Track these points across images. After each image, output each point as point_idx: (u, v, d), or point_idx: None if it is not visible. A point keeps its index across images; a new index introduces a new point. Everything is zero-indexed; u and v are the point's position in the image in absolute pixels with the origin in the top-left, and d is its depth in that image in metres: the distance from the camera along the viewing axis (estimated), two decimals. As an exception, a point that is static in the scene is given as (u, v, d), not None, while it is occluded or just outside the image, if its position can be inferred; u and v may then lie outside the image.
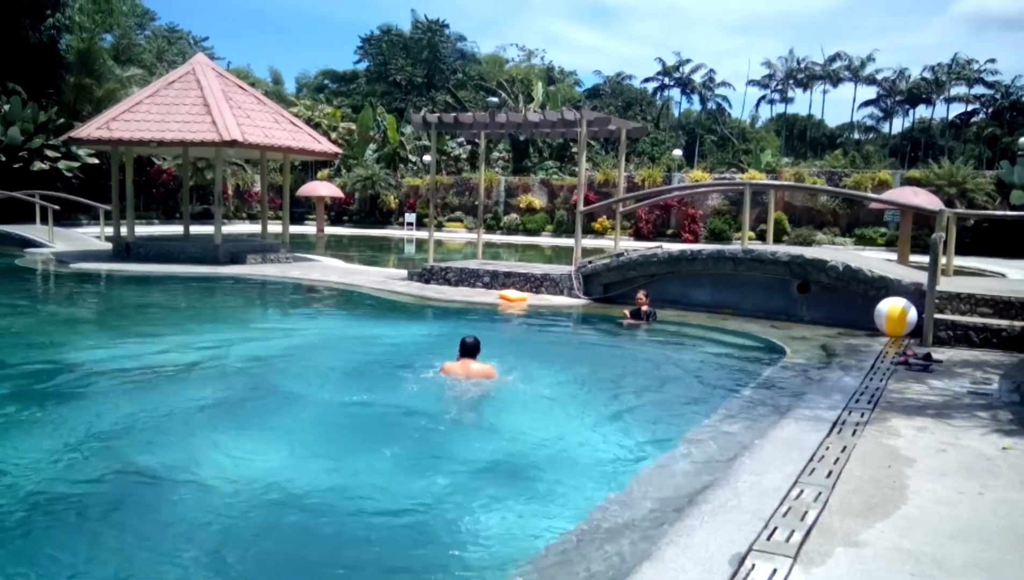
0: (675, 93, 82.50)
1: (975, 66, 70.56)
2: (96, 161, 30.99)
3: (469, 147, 44.09)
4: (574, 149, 38.67)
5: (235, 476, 5.06)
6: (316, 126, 40.53)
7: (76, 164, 30.42)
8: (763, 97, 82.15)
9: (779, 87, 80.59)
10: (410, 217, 37.79)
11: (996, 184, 28.56)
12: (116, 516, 4.52)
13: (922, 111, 78.79)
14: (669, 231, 33.18)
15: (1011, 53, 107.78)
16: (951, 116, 75.81)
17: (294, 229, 26.13)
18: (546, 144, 42.29)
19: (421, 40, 73.50)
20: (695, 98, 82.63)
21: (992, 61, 70.04)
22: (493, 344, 8.87)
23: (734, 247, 12.37)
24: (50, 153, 29.60)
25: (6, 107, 29.77)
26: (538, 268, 14.81)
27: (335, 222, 40.68)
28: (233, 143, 17.57)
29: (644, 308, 11.30)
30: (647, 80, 79.75)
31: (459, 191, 39.71)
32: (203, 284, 15.47)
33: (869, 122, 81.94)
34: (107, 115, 18.57)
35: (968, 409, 6.31)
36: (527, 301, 12.98)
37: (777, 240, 26.97)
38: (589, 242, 25.98)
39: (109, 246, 20.53)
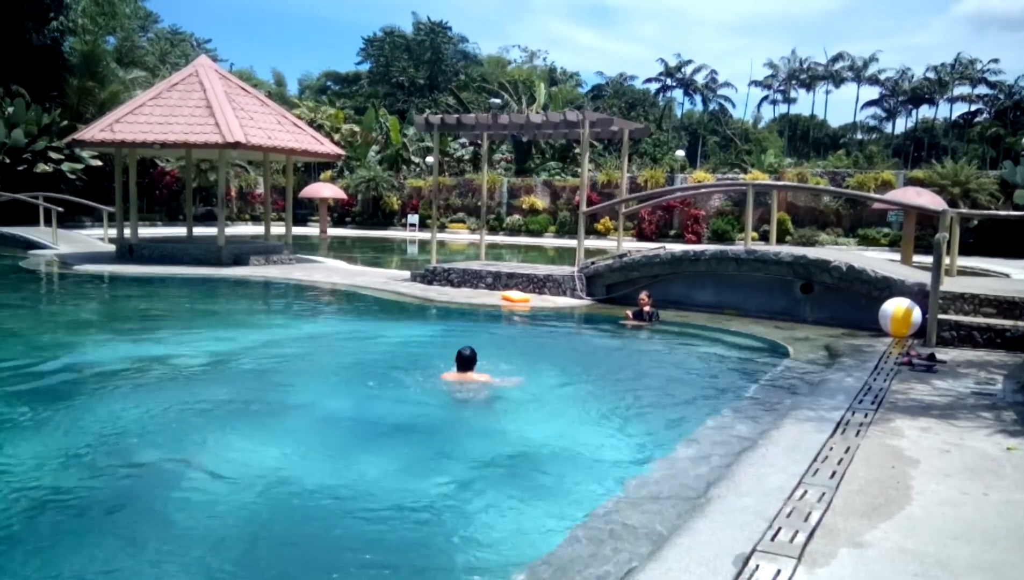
0: (677, 94, 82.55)
1: (978, 66, 70.40)
2: (100, 163, 31.07)
3: (472, 148, 44.08)
4: (576, 150, 38.67)
5: (237, 477, 5.07)
6: (319, 128, 40.58)
7: (80, 166, 30.50)
8: (765, 97, 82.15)
9: (781, 87, 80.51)
10: (413, 218, 37.81)
11: (1000, 184, 28.50)
12: (117, 517, 4.53)
13: (925, 111, 78.79)
14: (672, 232, 33.15)
15: (1012, 53, 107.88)
16: (954, 116, 75.70)
17: (297, 230, 26.17)
18: (548, 145, 42.27)
19: (423, 42, 73.59)
20: (697, 99, 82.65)
21: (995, 61, 69.87)
22: (496, 345, 8.90)
23: (737, 248, 12.36)
24: (54, 155, 29.68)
25: (10, 109, 29.86)
26: (541, 269, 14.81)
27: (338, 223, 40.72)
28: (236, 145, 17.60)
29: (647, 309, 11.30)
30: (649, 81, 79.75)
31: (462, 192, 39.72)
32: (206, 286, 15.50)
33: (872, 122, 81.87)
34: (110, 117, 18.62)
35: (972, 410, 6.30)
36: (530, 302, 12.98)
37: (780, 241, 26.94)
38: (592, 243, 25.97)
39: (113, 248, 20.58)
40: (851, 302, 10.98)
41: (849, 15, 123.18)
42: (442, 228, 35.01)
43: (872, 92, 79.51)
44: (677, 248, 13.45)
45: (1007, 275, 18.21)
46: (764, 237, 24.75)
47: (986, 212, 25.59)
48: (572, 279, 13.53)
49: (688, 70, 79.93)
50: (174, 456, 5.47)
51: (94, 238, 24.85)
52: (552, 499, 4.82)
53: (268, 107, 20.23)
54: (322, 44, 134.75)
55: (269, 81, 66.06)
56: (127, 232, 19.76)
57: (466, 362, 7.34)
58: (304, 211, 40.31)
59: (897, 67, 77.95)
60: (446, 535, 4.30)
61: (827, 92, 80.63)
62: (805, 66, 78.40)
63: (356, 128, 46.52)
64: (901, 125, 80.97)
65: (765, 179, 32.08)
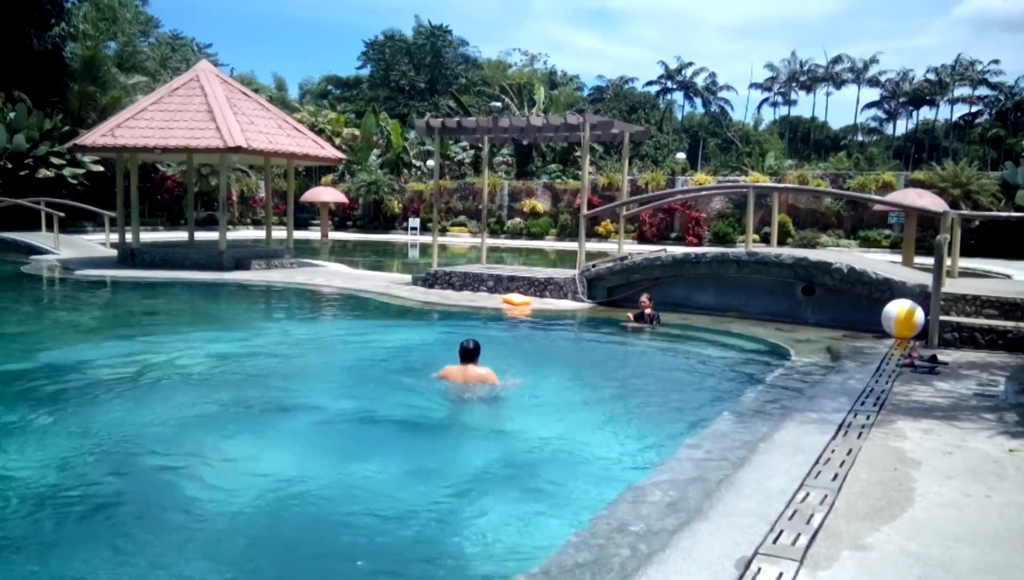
0: (678, 97, 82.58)
1: (979, 67, 70.36)
2: (101, 168, 31.14)
3: (472, 152, 44.14)
4: (577, 153, 38.68)
5: (238, 481, 5.07)
6: (320, 132, 40.64)
7: (81, 171, 30.57)
8: (766, 100, 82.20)
9: (782, 90, 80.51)
10: (414, 222, 37.86)
11: (1001, 185, 28.51)
12: (118, 520, 4.52)
13: (926, 113, 78.75)
14: (673, 234, 33.17)
15: (1013, 55, 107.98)
16: (955, 117, 75.64)
17: (298, 234, 26.20)
18: (549, 148, 42.32)
19: (424, 45, 73.70)
20: (698, 101, 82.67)
21: (996, 62, 69.79)
22: (497, 348, 8.88)
23: (738, 250, 12.35)
24: (55, 160, 29.75)
25: (12, 115, 29.93)
26: (542, 272, 14.80)
27: (339, 227, 40.77)
28: (237, 149, 17.62)
29: (648, 311, 11.29)
30: (649, 84, 79.79)
31: (463, 196, 39.76)
32: (208, 290, 15.51)
33: (873, 124, 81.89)
34: (112, 122, 18.64)
35: (974, 411, 6.28)
36: (531, 305, 12.98)
37: (781, 243, 26.92)
38: (593, 246, 25.98)
39: (114, 252, 20.59)
40: (852, 304, 10.96)
41: (849, 17, 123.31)
42: (443, 232, 35.03)
43: (872, 94, 79.64)
44: (678, 250, 13.46)
45: (1008, 276, 18.20)
46: (765, 239, 24.71)
47: (987, 213, 25.57)
48: (573, 282, 13.52)
49: (688, 73, 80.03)
50: (175, 459, 5.47)
51: (96, 243, 24.88)
52: (553, 503, 4.81)
53: (269, 111, 20.25)
54: (323, 48, 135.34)
55: (270, 85, 66.20)
56: (129, 237, 19.78)
57: (469, 354, 7.35)
58: (305, 215, 40.36)
59: (897, 69, 78.18)
60: (446, 539, 4.29)
61: (827, 94, 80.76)
62: (805, 68, 78.42)
63: (357, 132, 46.61)
64: (902, 127, 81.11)
65: (766, 181, 32.10)
